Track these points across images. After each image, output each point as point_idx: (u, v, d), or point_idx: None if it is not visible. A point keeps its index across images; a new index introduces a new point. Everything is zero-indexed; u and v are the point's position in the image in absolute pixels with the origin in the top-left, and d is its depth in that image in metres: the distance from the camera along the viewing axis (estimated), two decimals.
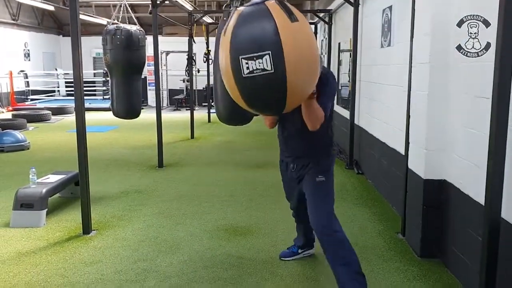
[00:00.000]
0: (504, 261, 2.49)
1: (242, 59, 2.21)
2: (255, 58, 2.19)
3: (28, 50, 17.94)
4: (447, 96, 3.36)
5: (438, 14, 3.36)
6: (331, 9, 9.52)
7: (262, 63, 2.18)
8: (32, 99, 16.92)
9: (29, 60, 17.95)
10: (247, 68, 2.20)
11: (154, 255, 3.70)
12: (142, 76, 6.38)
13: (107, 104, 15.76)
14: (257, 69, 2.19)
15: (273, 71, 2.18)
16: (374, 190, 5.67)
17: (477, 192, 2.87)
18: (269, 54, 2.17)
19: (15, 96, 15.83)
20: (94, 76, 18.00)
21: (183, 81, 16.41)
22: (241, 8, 2.35)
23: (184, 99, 16.37)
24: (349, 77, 8.43)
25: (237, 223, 4.45)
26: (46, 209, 4.47)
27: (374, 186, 5.80)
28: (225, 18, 3.81)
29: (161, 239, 4.03)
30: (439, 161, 3.44)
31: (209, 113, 12.60)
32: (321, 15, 10.26)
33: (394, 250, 3.78)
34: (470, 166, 3.01)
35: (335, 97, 2.60)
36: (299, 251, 3.61)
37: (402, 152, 4.34)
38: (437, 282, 3.24)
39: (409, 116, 3.89)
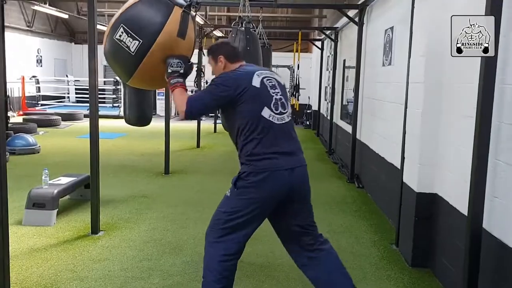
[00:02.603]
0: (486, 270, 2.68)
1: (122, 26, 2.68)
2: (128, 35, 2.66)
3: (41, 56, 18.36)
4: (439, 114, 3.57)
5: (433, 36, 3.58)
6: (337, 27, 9.79)
7: (131, 43, 2.66)
8: (42, 104, 17.26)
9: (41, 66, 18.35)
10: (120, 35, 2.68)
11: (158, 255, 3.90)
12: None
13: (116, 112, 16.16)
14: (124, 42, 2.68)
15: (133, 54, 2.67)
16: (373, 203, 5.86)
17: (464, 205, 3.05)
18: (139, 42, 2.65)
19: (26, 101, 16.17)
20: (104, 84, 18.31)
21: (191, 92, 16.65)
22: None
23: None
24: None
25: None
26: (57, 209, 4.69)
27: (373, 199, 5.98)
28: (233, 35, 4.06)
29: (165, 241, 4.23)
30: (431, 175, 3.64)
31: (215, 123, 12.86)
32: (328, 32, 10.55)
33: (387, 259, 3.96)
34: (458, 181, 3.21)
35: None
36: None
37: (398, 166, 4.55)
38: None
39: (405, 132, 4.10)
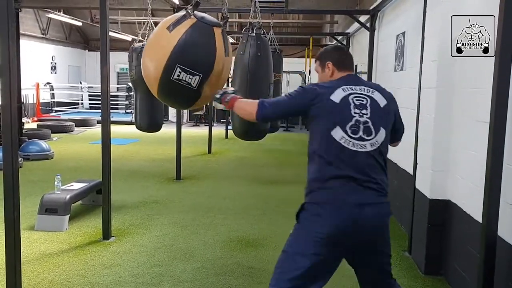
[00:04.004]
0: (501, 278, 2.62)
1: (178, 67, 2.66)
2: (188, 73, 2.67)
3: (55, 63, 18.60)
4: (452, 119, 3.53)
5: (444, 41, 3.54)
6: (349, 33, 9.77)
7: (192, 79, 2.69)
8: (56, 111, 17.47)
9: (55, 73, 18.58)
10: (178, 75, 2.67)
11: (169, 261, 3.90)
12: None
13: (129, 118, 16.27)
14: (184, 80, 2.68)
15: (195, 88, 2.72)
16: None
17: (478, 211, 3.00)
18: (199, 76, 2.69)
19: (40, 107, 16.38)
20: (117, 91, 18.48)
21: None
22: (194, 20, 2.75)
23: (203, 115, 16.71)
24: None
25: (249, 235, 4.63)
26: (69, 215, 4.72)
27: None
28: (244, 41, 4.07)
29: (176, 247, 4.23)
30: (444, 181, 3.59)
31: (226, 129, 12.87)
32: (339, 38, 10.52)
33: (400, 267, 3.90)
34: (471, 187, 3.16)
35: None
36: None
37: (410, 172, 4.50)
38: None
39: (417, 137, 4.06)
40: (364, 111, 2.22)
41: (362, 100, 2.24)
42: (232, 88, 2.82)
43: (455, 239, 3.45)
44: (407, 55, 5.21)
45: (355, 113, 2.20)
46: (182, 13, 2.85)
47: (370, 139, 2.19)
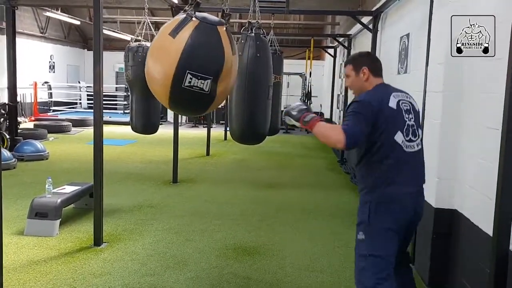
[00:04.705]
0: None
1: (189, 73, 2.53)
2: (198, 78, 2.55)
3: (53, 62, 18.43)
4: (459, 125, 3.37)
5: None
6: (351, 34, 9.62)
7: (203, 84, 2.56)
8: (54, 110, 17.30)
9: (54, 72, 18.41)
10: (189, 82, 2.55)
11: (162, 270, 3.73)
12: None
13: (127, 118, 16.07)
14: (196, 86, 2.56)
15: (208, 93, 2.59)
16: None
17: (487, 223, 2.84)
18: (210, 79, 2.57)
19: (38, 107, 16.21)
20: (116, 91, 18.32)
21: None
22: (196, 22, 2.62)
23: (201, 116, 16.55)
24: None
25: (246, 243, 4.46)
26: (60, 219, 4.56)
27: None
28: (242, 41, 3.91)
29: (170, 255, 4.06)
30: (450, 190, 3.42)
31: (225, 131, 12.71)
32: (341, 39, 10.37)
33: None
34: (481, 197, 3.00)
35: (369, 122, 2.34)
36: None
37: None
38: None
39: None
40: (410, 116, 2.49)
41: (407, 105, 2.51)
42: (306, 105, 2.59)
43: (462, 251, 3.28)
44: (411, 58, 5.05)
45: (406, 118, 2.47)
46: (182, 15, 2.70)
47: (416, 140, 2.51)
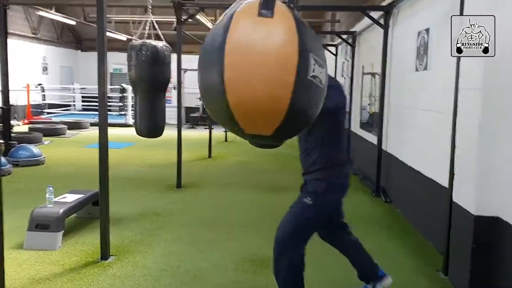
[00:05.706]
0: None
1: (313, 57, 1.76)
2: (320, 64, 1.81)
3: (46, 63, 18.02)
4: (501, 125, 3.09)
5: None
6: (355, 31, 9.35)
7: (322, 73, 1.83)
8: (48, 113, 16.89)
9: (47, 73, 18.00)
10: (313, 70, 1.75)
11: (177, 286, 3.43)
12: None
13: (123, 120, 15.75)
14: (317, 77, 1.79)
15: (323, 87, 1.89)
16: (405, 220, 5.37)
17: None
18: (325, 67, 1.90)
19: (31, 109, 15.81)
20: (111, 92, 17.93)
21: (200, 99, 16.29)
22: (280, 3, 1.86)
23: (200, 117, 16.24)
24: (369, 100, 8.21)
25: (263, 254, 4.16)
26: (63, 231, 4.24)
27: (405, 216, 5.49)
28: None
29: (184, 269, 3.76)
30: (492, 196, 3.15)
31: (226, 132, 12.40)
32: (345, 37, 10.09)
33: None
34: None
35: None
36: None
37: (441, 182, 4.09)
38: None
39: (454, 145, 3.61)
40: None
41: None
42: None
43: (508, 263, 3.01)
44: (432, 53, 4.78)
45: None
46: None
47: None
